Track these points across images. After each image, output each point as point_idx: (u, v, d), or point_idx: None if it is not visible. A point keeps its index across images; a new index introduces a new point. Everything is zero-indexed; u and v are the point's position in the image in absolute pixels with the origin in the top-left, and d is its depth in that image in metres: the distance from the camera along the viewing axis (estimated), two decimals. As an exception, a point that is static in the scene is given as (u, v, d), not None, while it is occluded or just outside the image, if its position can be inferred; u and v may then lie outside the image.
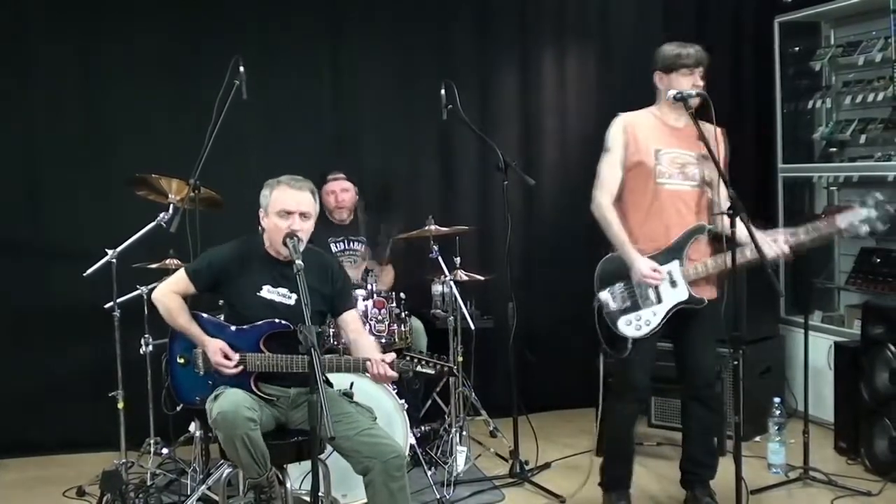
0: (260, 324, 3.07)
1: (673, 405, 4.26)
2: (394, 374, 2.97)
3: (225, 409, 2.84)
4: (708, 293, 3.41)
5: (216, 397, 2.95)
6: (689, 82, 3.31)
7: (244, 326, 3.07)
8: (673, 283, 3.36)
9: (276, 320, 3.06)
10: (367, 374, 3.03)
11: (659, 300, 3.37)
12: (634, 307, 3.38)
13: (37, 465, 4.35)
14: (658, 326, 3.36)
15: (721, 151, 3.37)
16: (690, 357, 3.48)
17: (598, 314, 3.40)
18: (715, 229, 3.42)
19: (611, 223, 3.38)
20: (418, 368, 2.98)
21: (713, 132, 3.32)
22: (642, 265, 3.32)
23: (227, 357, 3.03)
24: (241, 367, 3.04)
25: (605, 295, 3.40)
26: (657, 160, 3.36)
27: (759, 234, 3.17)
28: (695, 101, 3.28)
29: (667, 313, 3.36)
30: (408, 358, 2.98)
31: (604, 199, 3.39)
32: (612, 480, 3.58)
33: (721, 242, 3.38)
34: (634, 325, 3.37)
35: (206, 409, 3.00)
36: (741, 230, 3.19)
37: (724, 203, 3.34)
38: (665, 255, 3.37)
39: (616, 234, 3.37)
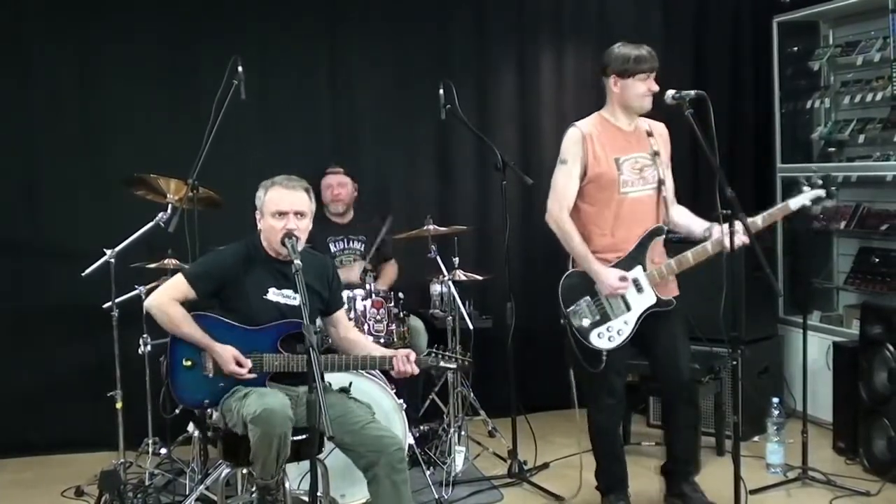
0: (277, 324, 3.07)
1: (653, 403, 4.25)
2: (416, 369, 3.01)
3: (272, 406, 2.83)
4: (671, 291, 3.40)
5: (246, 395, 2.95)
6: (646, 87, 3.31)
7: (260, 327, 3.06)
8: (639, 289, 3.34)
9: (294, 320, 3.05)
10: (391, 370, 3.07)
11: (628, 308, 3.35)
12: (604, 319, 3.35)
13: (35, 465, 4.35)
14: (631, 334, 3.34)
15: (668, 148, 3.45)
16: (665, 357, 3.43)
17: (570, 331, 3.37)
18: (673, 230, 3.45)
19: (572, 236, 3.35)
20: (442, 363, 3.03)
21: (660, 129, 3.41)
22: (610, 278, 3.30)
23: (239, 364, 3.02)
24: (254, 374, 3.03)
25: (571, 311, 3.37)
26: (619, 169, 3.34)
27: (718, 227, 3.17)
28: (649, 106, 3.32)
29: (637, 319, 3.34)
30: (432, 354, 3.03)
31: (562, 212, 3.36)
32: (609, 483, 3.57)
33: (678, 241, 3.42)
34: (606, 337, 3.34)
35: (223, 407, 3.01)
36: (683, 219, 3.32)
37: (671, 197, 3.43)
38: (627, 262, 3.35)
39: (577, 247, 3.35)
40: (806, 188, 3.31)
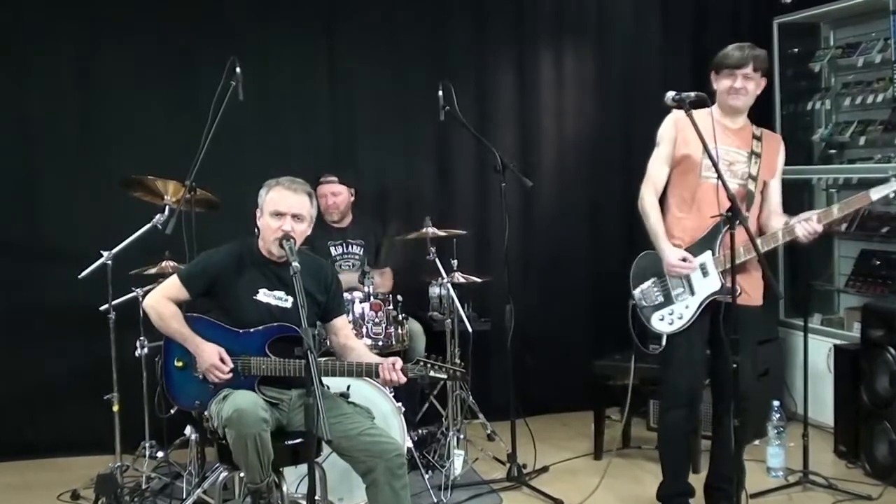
0: (265, 327, 3.04)
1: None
2: (404, 378, 2.97)
3: (242, 406, 2.81)
4: (745, 298, 3.28)
5: (225, 397, 2.94)
6: (729, 84, 3.28)
7: (250, 330, 3.04)
8: (705, 273, 3.29)
9: (284, 324, 3.03)
10: (377, 379, 3.05)
11: (692, 292, 3.30)
12: (667, 302, 3.33)
13: (31, 468, 4.32)
14: (691, 320, 3.29)
15: (777, 159, 3.40)
16: (726, 366, 3.24)
17: (633, 311, 3.37)
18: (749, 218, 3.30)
19: (649, 215, 3.35)
20: (431, 373, 2.98)
21: (772, 140, 3.37)
22: (670, 255, 3.28)
23: (222, 361, 3.01)
24: (231, 375, 3.01)
25: (638, 292, 3.37)
26: (704, 154, 3.23)
27: (797, 217, 3.19)
28: (737, 104, 3.28)
29: (699, 305, 3.29)
30: (421, 363, 2.98)
31: (647, 193, 3.38)
32: (665, 494, 3.52)
33: (763, 233, 3.34)
34: (667, 320, 3.31)
35: (209, 410, 2.99)
36: (782, 218, 3.26)
37: (778, 212, 3.39)
38: (699, 246, 3.32)
39: (651, 226, 3.35)
40: (893, 179, 3.19)
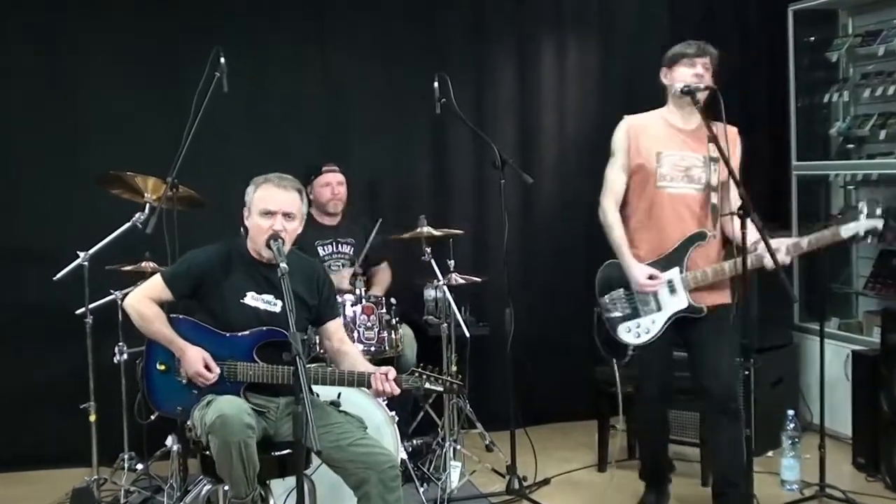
0: (253, 331, 2.99)
1: (685, 418, 4.17)
2: (397, 389, 2.92)
3: (227, 412, 2.76)
4: (714, 299, 3.39)
5: (208, 403, 2.88)
6: (691, 73, 3.30)
7: (237, 334, 2.99)
8: (672, 291, 3.38)
9: (273, 328, 2.98)
10: (368, 389, 2.99)
11: (658, 308, 3.39)
12: (634, 314, 3.42)
13: (2, 482, 4.22)
14: (657, 334, 3.39)
15: (735, 153, 3.38)
16: (705, 367, 3.42)
17: (598, 320, 3.47)
18: (717, 235, 3.40)
19: (612, 228, 3.42)
20: (427, 385, 2.94)
21: (724, 132, 3.31)
22: (638, 273, 3.36)
23: (207, 368, 2.94)
24: (215, 380, 2.95)
25: (605, 301, 3.45)
26: (658, 163, 3.37)
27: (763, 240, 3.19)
28: (703, 95, 3.26)
29: (666, 321, 3.39)
30: (416, 374, 2.94)
31: (608, 204, 3.45)
32: (646, 476, 3.71)
33: (732, 246, 3.37)
34: (634, 333, 3.41)
35: (192, 417, 2.95)
36: (751, 234, 3.17)
37: (733, 206, 3.34)
38: (665, 262, 3.39)
39: (615, 240, 3.42)
40: (862, 215, 3.22)
